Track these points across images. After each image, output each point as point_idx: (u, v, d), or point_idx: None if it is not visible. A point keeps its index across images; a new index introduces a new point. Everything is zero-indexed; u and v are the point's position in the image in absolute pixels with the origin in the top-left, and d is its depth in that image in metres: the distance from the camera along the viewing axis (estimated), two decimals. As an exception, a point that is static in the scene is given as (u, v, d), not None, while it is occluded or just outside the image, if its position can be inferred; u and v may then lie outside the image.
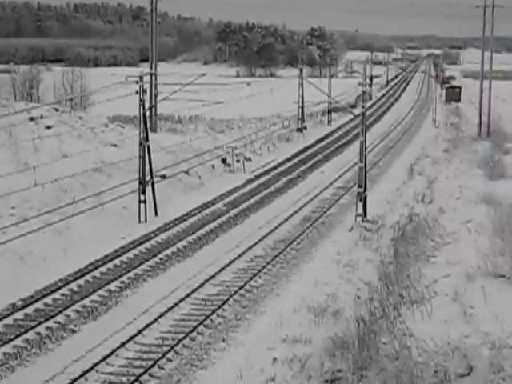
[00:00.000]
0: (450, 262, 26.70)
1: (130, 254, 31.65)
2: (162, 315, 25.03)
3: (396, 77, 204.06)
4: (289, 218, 38.85)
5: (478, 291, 22.21)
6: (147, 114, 43.42)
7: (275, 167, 54.26)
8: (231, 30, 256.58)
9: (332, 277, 28.98)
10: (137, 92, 37.10)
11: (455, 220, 33.47)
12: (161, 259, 31.36)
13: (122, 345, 22.55)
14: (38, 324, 23.93)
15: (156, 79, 57.55)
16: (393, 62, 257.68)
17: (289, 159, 57.92)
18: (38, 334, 23.35)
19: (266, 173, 52.01)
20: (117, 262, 30.56)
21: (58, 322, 24.30)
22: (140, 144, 38.25)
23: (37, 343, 22.73)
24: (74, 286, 27.61)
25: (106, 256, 31.02)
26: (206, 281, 28.61)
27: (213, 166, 50.78)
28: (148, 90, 52.28)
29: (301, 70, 76.03)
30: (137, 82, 36.97)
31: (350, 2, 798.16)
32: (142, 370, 20.92)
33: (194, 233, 35.40)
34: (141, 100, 37.40)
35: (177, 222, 37.09)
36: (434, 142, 70.53)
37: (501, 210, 32.34)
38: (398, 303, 23.29)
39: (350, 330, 21.77)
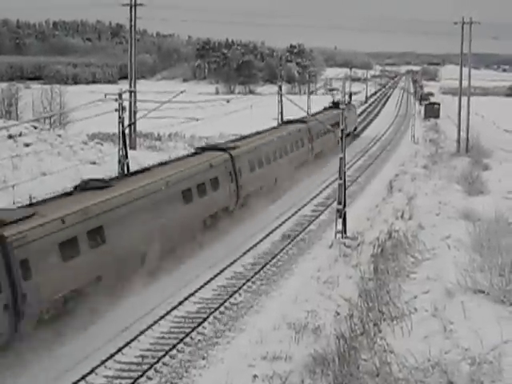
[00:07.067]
0: (429, 277, 26.75)
1: (110, 272, 31.41)
2: (141, 333, 24.92)
3: (375, 93, 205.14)
4: (269, 234, 38.80)
5: (457, 307, 22.25)
6: (126, 131, 43.30)
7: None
8: (210, 47, 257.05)
9: (312, 293, 28.97)
10: (116, 109, 37.06)
11: (435, 236, 33.56)
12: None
13: (102, 363, 22.42)
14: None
15: (135, 96, 57.51)
16: (372, 78, 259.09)
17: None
18: (16, 352, 23.09)
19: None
20: (96, 279, 30.33)
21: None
22: (119, 161, 38.17)
23: (15, 362, 22.48)
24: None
25: (85, 274, 30.76)
26: (186, 298, 28.53)
27: (192, 183, 50.56)
28: (127, 108, 52.19)
29: (280, 87, 75.99)
30: (116, 100, 36.94)
31: (329, 19, 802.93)
32: (121, 389, 20.83)
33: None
34: (120, 117, 37.36)
35: (156, 240, 36.87)
36: (413, 159, 70.72)
37: (480, 226, 32.44)
38: (378, 319, 23.30)
39: (331, 347, 21.75)
